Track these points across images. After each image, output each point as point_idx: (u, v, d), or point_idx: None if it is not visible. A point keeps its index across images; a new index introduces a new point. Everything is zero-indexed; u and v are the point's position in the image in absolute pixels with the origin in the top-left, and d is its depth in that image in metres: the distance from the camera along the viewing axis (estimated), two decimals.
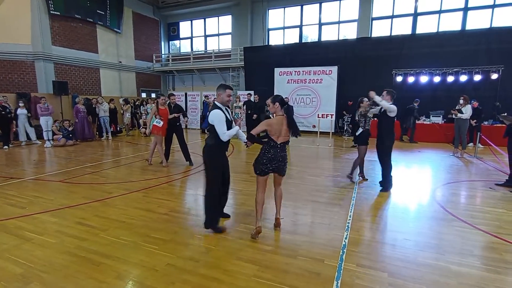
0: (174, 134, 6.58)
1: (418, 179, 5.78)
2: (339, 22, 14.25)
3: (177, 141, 6.64)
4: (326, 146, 9.67)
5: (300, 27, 15.08)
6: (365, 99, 5.27)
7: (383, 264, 2.68)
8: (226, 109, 3.31)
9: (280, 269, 2.60)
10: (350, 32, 14.08)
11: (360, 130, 5.24)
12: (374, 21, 13.62)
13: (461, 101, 7.55)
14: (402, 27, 13.28)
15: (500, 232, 3.37)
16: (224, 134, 3.16)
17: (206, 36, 17.46)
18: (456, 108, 7.68)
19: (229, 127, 3.24)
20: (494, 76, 10.52)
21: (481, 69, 10.68)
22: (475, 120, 8.63)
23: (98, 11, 13.60)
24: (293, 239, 3.15)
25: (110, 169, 6.40)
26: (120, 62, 15.15)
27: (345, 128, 12.09)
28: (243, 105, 11.25)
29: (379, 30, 13.58)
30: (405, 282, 2.41)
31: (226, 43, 16.88)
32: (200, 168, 6.34)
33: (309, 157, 7.98)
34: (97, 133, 11.41)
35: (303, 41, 14.96)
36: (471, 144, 9.09)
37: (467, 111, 7.44)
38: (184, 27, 18.10)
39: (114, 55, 14.89)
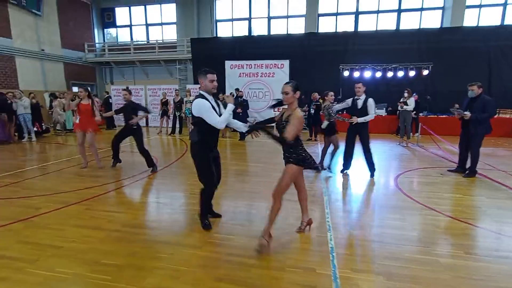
0: (129, 136, 5.67)
1: (377, 169, 5.95)
2: (287, 17, 14.30)
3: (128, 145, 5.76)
4: None
5: (249, 19, 14.74)
6: (330, 92, 5.17)
7: (375, 266, 2.49)
8: (212, 98, 2.95)
9: (270, 287, 2.22)
10: (298, 27, 14.24)
11: (326, 123, 5.16)
12: (320, 17, 13.99)
13: (406, 94, 8.10)
14: (346, 25, 13.91)
15: (465, 217, 3.51)
16: (219, 122, 2.84)
17: (147, 25, 15.96)
18: (402, 100, 8.22)
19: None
20: (425, 72, 11.66)
21: (415, 66, 11.73)
22: (414, 112, 9.40)
23: None
24: (276, 247, 2.80)
25: (36, 178, 5.23)
26: (43, 50, 12.91)
27: None
28: None
29: (325, 26, 14.01)
30: (403, 284, 2.25)
31: (170, 34, 15.67)
32: (149, 171, 5.58)
33: (269, 152, 7.73)
34: (16, 134, 9.49)
35: (252, 34, 14.67)
36: (417, 134, 9.88)
37: (411, 103, 8.02)
38: (121, 14, 16.25)
39: (34, 41, 12.60)
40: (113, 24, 16.47)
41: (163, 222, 3.37)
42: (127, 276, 2.33)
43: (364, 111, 4.89)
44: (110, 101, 12.47)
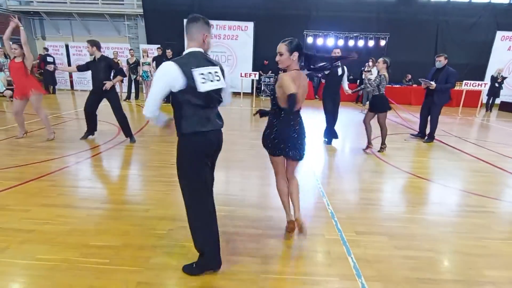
0: (104, 99, 4.90)
1: (347, 136, 6.21)
2: None
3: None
4: (248, 107, 9.40)
5: None
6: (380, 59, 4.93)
7: (376, 227, 2.62)
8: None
9: (286, 257, 2.19)
10: None
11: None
12: None
13: (370, 63, 8.37)
14: None
15: (435, 178, 3.88)
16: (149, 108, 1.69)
17: None
18: (366, 69, 8.50)
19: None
20: (383, 42, 12.17)
21: (374, 36, 12.14)
22: None
23: None
24: (279, 217, 2.75)
25: None
26: None
27: (262, 89, 12.03)
28: (153, 62, 9.53)
29: None
30: (408, 242, 2.40)
31: None
32: (118, 139, 5.04)
33: (240, 119, 7.54)
34: None
35: None
36: None
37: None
38: None
39: None
40: None
41: (150, 196, 3.06)
42: (128, 257, 2.08)
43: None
44: (49, 59, 10.64)
